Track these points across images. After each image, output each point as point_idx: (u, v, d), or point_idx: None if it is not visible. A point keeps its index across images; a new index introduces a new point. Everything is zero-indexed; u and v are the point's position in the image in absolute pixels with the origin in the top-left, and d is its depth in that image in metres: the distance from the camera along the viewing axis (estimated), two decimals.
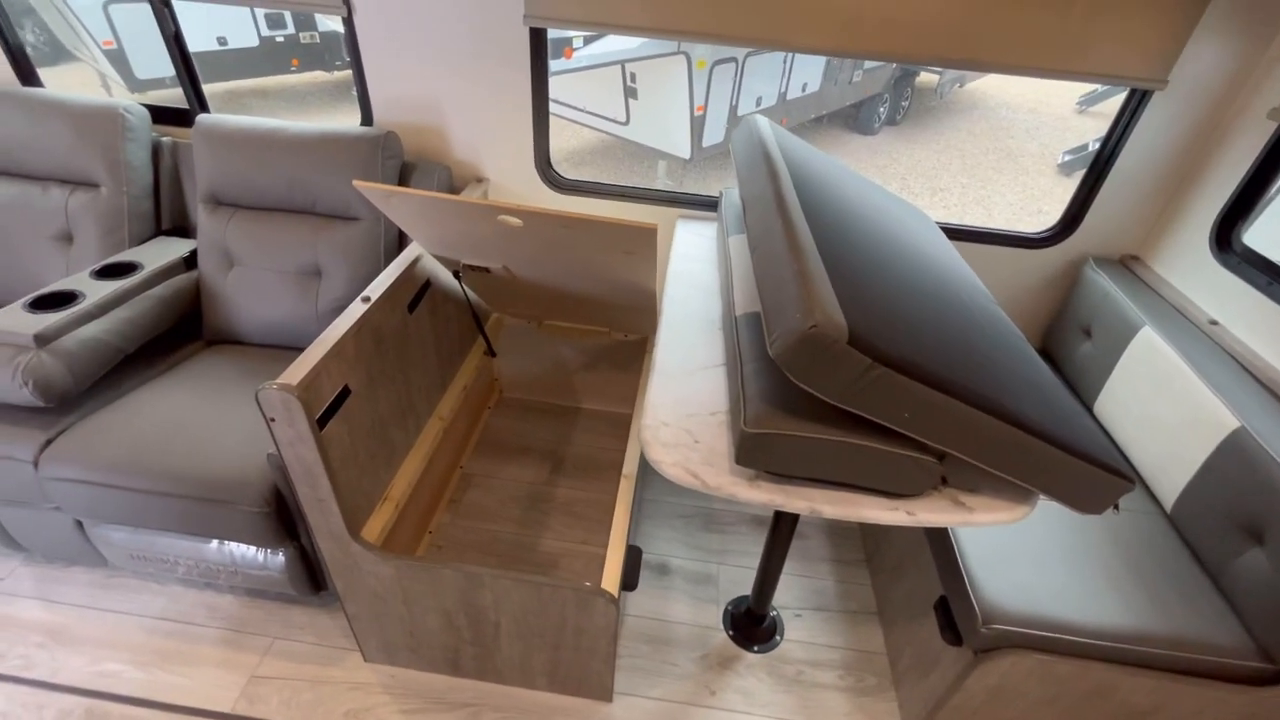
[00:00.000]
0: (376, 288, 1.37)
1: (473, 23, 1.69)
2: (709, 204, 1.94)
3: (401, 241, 1.82)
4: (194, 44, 1.71)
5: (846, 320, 0.84)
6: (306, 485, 1.20)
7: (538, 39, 1.72)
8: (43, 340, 1.44)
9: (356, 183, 1.17)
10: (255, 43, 6.35)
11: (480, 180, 1.96)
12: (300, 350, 1.84)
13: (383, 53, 1.77)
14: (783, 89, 5.91)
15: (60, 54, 6.32)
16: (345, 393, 1.26)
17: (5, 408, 1.50)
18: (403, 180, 1.82)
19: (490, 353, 2.02)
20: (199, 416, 1.54)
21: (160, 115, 1.98)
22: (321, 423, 1.17)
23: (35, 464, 1.44)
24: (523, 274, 1.59)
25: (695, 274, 1.59)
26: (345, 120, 6.37)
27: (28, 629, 1.63)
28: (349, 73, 7.25)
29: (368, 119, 1.91)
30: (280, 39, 6.56)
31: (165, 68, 5.78)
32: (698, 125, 5.24)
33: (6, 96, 1.79)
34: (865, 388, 0.85)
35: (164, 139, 1.91)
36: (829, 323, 0.82)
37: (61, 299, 1.57)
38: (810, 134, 6.98)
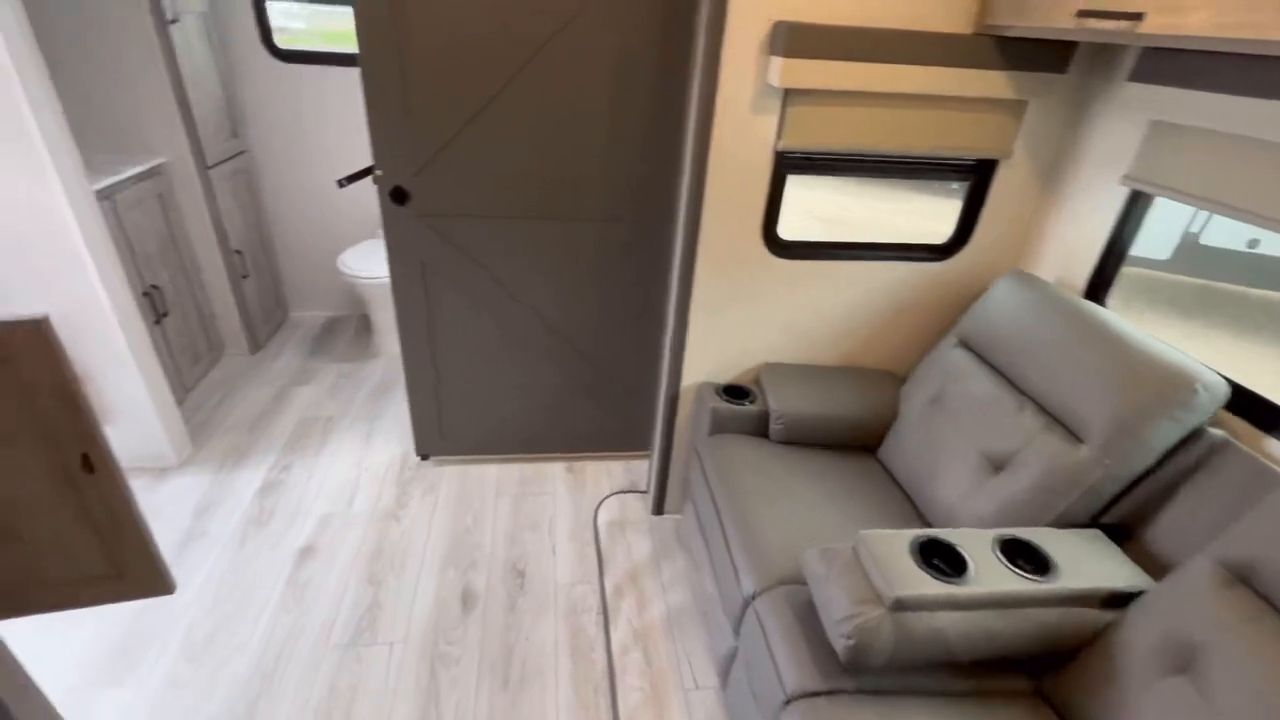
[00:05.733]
0: None
1: None
2: None
3: None
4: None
5: None
6: None
7: None
8: (900, 606, 1.11)
9: None
10: None
11: None
12: None
13: None
14: None
15: None
16: None
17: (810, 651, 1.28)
18: None
19: None
20: None
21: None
22: None
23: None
24: None
25: None
26: None
27: None
28: None
29: None
30: None
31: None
32: None
33: (1087, 324, 1.51)
34: None
35: (1217, 432, 1.26)
36: None
37: (946, 554, 1.21)
38: None
